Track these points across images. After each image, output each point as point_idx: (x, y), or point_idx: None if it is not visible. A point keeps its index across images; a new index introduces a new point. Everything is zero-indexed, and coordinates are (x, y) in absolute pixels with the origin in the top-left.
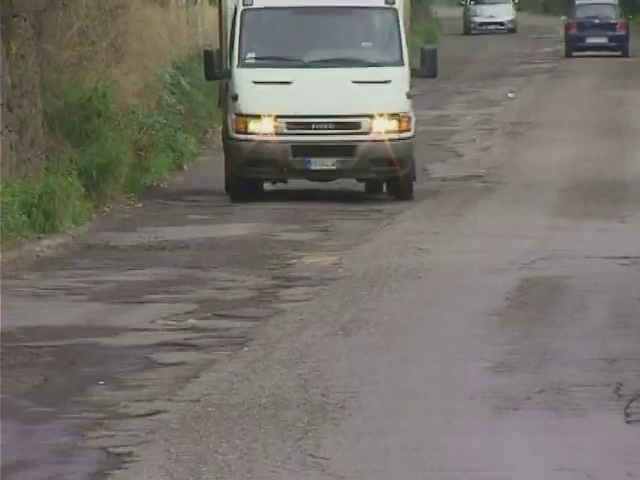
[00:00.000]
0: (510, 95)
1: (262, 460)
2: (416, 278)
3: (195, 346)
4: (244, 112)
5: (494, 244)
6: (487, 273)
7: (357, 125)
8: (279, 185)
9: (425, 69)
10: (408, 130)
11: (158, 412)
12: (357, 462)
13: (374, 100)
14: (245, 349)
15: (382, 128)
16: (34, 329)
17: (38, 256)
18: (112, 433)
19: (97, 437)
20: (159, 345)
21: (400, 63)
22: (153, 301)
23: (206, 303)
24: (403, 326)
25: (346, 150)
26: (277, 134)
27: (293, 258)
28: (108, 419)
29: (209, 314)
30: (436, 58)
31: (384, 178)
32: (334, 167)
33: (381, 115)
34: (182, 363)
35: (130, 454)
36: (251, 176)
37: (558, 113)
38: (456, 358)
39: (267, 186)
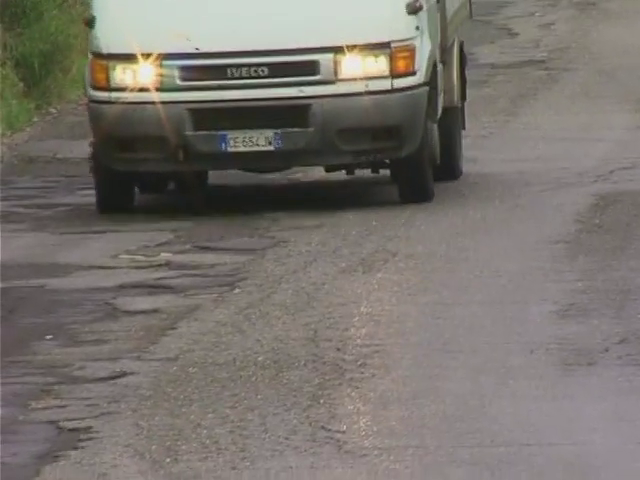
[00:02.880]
0: None
1: (259, 435)
2: (459, 196)
3: (171, 288)
4: (105, 50)
5: (560, 150)
6: (551, 188)
7: (312, 67)
8: None
9: None
10: (411, 73)
11: (124, 374)
12: (383, 437)
13: (343, 20)
14: (236, 291)
15: (359, 71)
16: None
17: None
18: (64, 403)
19: (44, 408)
20: (123, 287)
21: None
22: (115, 230)
23: (184, 232)
24: (442, 259)
25: (293, 115)
26: (164, 89)
27: (298, 171)
28: (58, 384)
29: (188, 246)
30: None
31: (370, 164)
32: (272, 147)
33: (355, 47)
34: (154, 311)
35: (88, 429)
36: (122, 167)
37: None
38: (512, 299)
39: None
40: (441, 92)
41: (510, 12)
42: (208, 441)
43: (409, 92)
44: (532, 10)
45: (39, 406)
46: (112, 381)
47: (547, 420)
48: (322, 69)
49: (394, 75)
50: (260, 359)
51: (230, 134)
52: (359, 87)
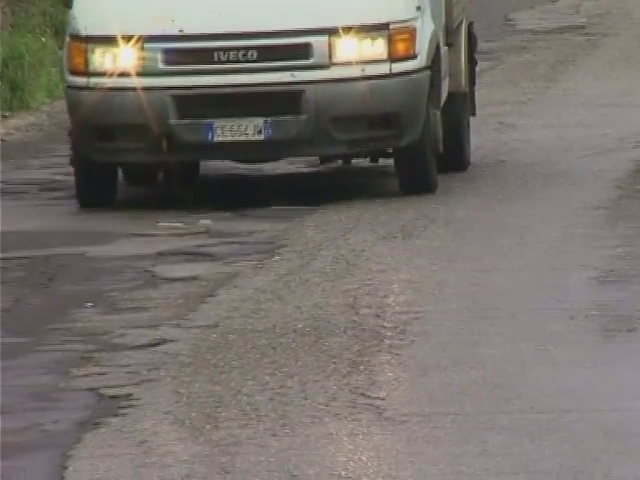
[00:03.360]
0: None
1: (299, 402)
2: (498, 162)
3: (210, 255)
4: (83, 32)
5: (600, 116)
6: (592, 154)
7: (305, 51)
8: None
9: None
10: (411, 56)
11: (164, 342)
12: (423, 403)
13: (338, 3)
14: (275, 258)
15: (355, 55)
16: None
17: (3, 140)
18: (104, 370)
19: (85, 375)
20: (163, 255)
21: None
22: (154, 197)
23: (224, 199)
24: (481, 225)
25: (284, 101)
26: (146, 74)
27: None
28: (99, 352)
29: (227, 213)
30: None
31: (369, 154)
32: (261, 137)
33: (351, 29)
34: (193, 278)
35: (128, 397)
36: (101, 158)
37: None
38: (552, 266)
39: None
40: (446, 76)
41: None
42: (248, 408)
43: (409, 77)
44: None
45: (80, 373)
46: (152, 348)
47: (587, 386)
48: (315, 52)
49: (393, 59)
50: (299, 326)
51: (217, 122)
52: (355, 72)
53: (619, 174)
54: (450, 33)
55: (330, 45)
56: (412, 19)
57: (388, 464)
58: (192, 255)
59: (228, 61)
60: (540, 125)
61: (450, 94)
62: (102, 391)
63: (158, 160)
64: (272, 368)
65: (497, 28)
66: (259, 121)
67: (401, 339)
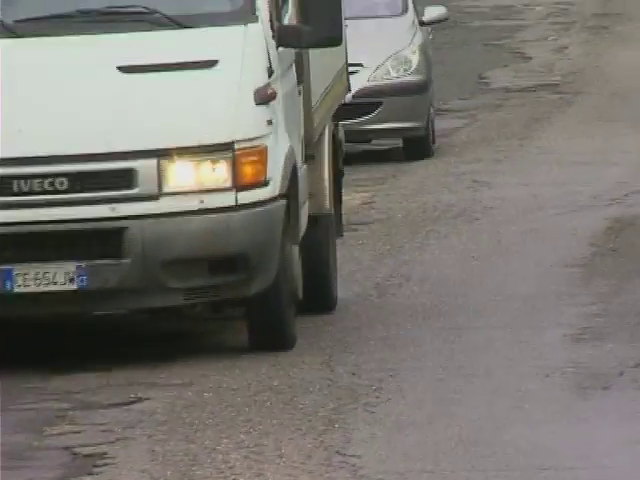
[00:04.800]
0: None
1: (274, 460)
2: (472, 220)
3: (186, 315)
4: None
5: (573, 174)
6: (565, 212)
7: (127, 178)
8: None
9: (313, 21)
10: (262, 183)
11: (139, 400)
12: (398, 461)
13: (169, 113)
14: None
15: (192, 182)
16: None
17: None
18: (78, 428)
19: (59, 433)
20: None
21: (246, 14)
22: None
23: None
24: (456, 283)
25: (102, 242)
26: None
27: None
28: (73, 410)
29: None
30: None
31: (210, 305)
32: (74, 286)
33: (186, 150)
34: (170, 335)
35: (103, 455)
36: None
37: None
38: (527, 323)
39: None
40: (305, 202)
41: (524, 36)
42: (223, 466)
43: (259, 209)
44: (545, 34)
45: (54, 432)
46: (127, 407)
47: (563, 444)
48: (141, 180)
49: (239, 187)
50: (275, 384)
51: (17, 269)
52: (192, 203)
53: (593, 232)
54: (310, 145)
55: (159, 171)
56: (262, 136)
57: None
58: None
59: (31, 192)
60: (514, 183)
61: (312, 218)
62: (76, 450)
63: None
64: (247, 426)
65: (471, 86)
66: (71, 266)
67: (376, 397)
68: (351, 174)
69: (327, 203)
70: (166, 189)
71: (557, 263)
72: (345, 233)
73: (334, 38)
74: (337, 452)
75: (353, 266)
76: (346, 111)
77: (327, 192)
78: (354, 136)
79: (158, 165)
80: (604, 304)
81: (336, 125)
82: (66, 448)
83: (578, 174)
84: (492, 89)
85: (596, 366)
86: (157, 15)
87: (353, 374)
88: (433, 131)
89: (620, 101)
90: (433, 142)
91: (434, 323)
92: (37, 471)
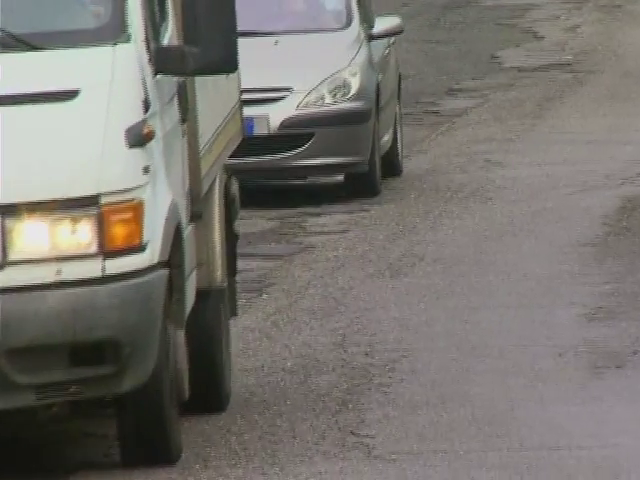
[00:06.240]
0: None
1: (288, 441)
2: (485, 200)
3: None
4: None
5: (586, 153)
6: (578, 191)
7: None
8: None
9: (201, 41)
10: (137, 248)
11: None
12: (412, 441)
13: (17, 159)
14: (264, 297)
15: (45, 247)
16: None
17: None
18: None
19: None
20: None
21: (114, 32)
22: None
23: None
24: (469, 263)
25: None
26: None
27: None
28: None
29: None
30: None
31: (71, 405)
32: None
33: (37, 207)
34: None
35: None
36: None
37: None
38: (540, 303)
39: None
40: (192, 273)
41: (535, 15)
42: (237, 447)
43: (133, 281)
44: (557, 13)
45: None
46: None
47: (576, 423)
48: None
49: (107, 252)
50: (288, 365)
51: None
52: (46, 275)
53: (606, 211)
54: (197, 201)
55: (3, 233)
56: (137, 187)
57: None
58: None
59: None
60: (527, 162)
61: (200, 292)
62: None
63: None
64: (261, 407)
65: (483, 66)
66: None
67: (390, 377)
68: None
69: (219, 274)
70: (12, 256)
71: (570, 242)
72: (358, 212)
73: (228, 62)
74: (351, 432)
75: (366, 246)
76: (270, 144)
77: (219, 260)
78: (278, 174)
79: (2, 225)
80: (617, 283)
81: (229, 177)
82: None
83: (591, 153)
84: (504, 69)
85: (609, 345)
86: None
87: (367, 355)
88: (400, 162)
89: (633, 80)
90: (399, 171)
91: (447, 303)
92: None
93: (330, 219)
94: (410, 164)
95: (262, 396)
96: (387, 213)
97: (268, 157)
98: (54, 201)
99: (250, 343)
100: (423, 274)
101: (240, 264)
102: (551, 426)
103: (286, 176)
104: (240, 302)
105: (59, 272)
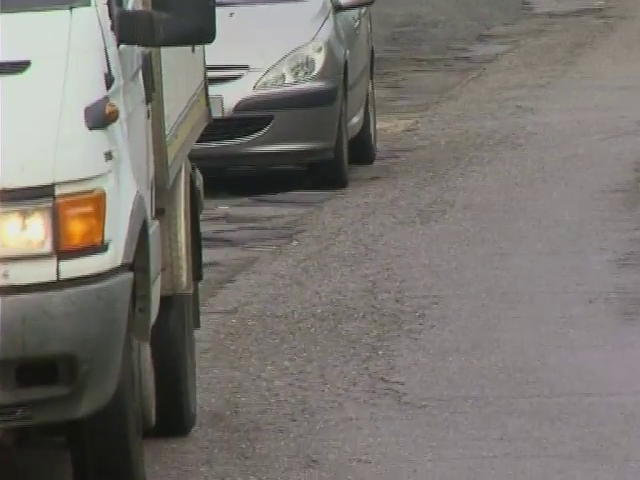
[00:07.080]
0: None
1: (318, 387)
2: (516, 146)
3: (229, 241)
4: None
5: (618, 99)
6: (610, 137)
7: None
8: None
9: (172, 5)
10: (98, 247)
11: None
12: (442, 388)
13: None
14: (294, 244)
15: None
16: None
17: None
18: None
19: None
20: None
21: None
22: None
23: (242, 184)
24: (499, 209)
25: None
26: None
27: None
28: None
29: (246, 198)
30: None
31: (19, 432)
32: None
33: None
34: (212, 263)
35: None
36: None
37: None
38: (570, 249)
39: None
40: (158, 277)
41: None
42: (267, 393)
43: (93, 286)
44: None
45: None
46: None
47: (607, 370)
48: None
49: (62, 252)
50: (318, 311)
51: None
52: None
53: (637, 157)
54: (161, 194)
55: None
56: (98, 176)
57: (407, 449)
58: (210, 241)
59: None
60: (558, 108)
61: (163, 299)
62: None
63: None
64: (291, 353)
65: (514, 12)
66: None
67: (420, 323)
68: (393, 101)
69: (184, 279)
70: None
71: (601, 188)
72: (388, 160)
73: (204, 30)
74: (381, 379)
75: (397, 193)
76: (223, 129)
77: (184, 263)
78: (233, 162)
79: None
80: None
81: (193, 168)
82: None
83: (622, 99)
84: (535, 14)
85: None
86: None
87: (397, 301)
88: (373, 146)
89: None
90: (372, 158)
91: (478, 249)
92: None
93: (360, 165)
94: (440, 109)
95: (292, 342)
96: (417, 159)
97: (222, 143)
98: (0, 191)
99: (280, 289)
100: (453, 220)
101: (271, 211)
102: (581, 372)
103: (241, 164)
104: (270, 248)
105: (6, 275)
